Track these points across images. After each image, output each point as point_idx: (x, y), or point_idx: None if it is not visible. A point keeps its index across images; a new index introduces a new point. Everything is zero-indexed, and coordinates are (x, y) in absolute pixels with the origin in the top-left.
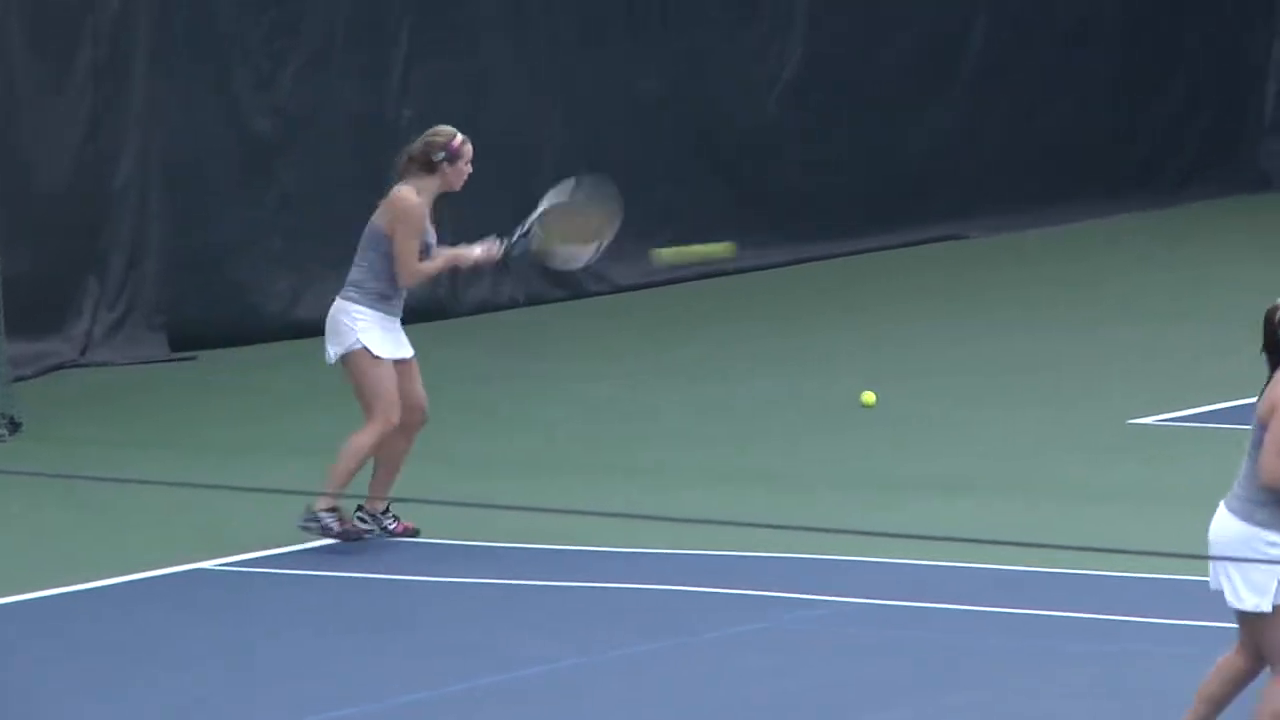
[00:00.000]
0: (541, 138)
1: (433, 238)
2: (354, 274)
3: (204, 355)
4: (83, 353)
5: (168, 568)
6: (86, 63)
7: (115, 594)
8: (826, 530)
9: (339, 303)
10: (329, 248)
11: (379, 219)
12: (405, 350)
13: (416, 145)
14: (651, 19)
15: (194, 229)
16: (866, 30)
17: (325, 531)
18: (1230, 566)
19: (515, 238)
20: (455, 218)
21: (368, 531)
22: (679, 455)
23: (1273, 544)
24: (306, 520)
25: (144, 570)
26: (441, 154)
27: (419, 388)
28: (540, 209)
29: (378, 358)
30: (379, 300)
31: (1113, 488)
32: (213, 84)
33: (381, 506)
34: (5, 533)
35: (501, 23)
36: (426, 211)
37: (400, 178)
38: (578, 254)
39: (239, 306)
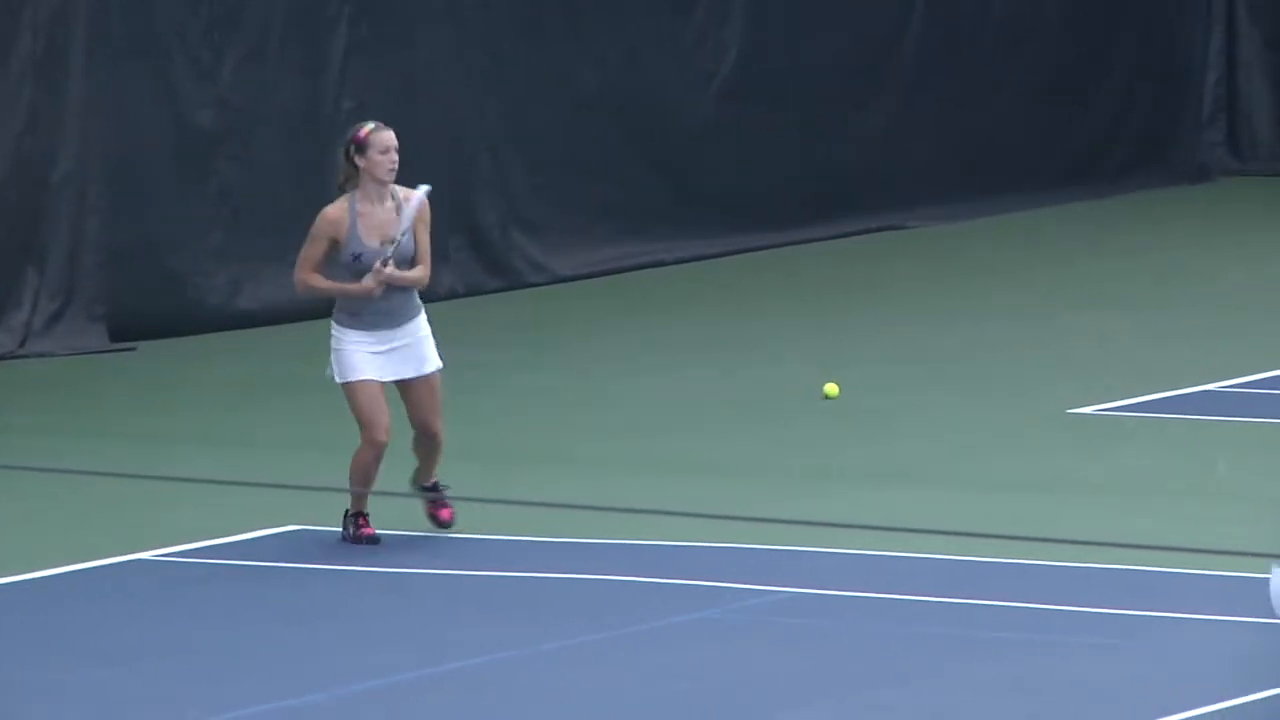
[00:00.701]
0: (479, 131)
1: (363, 247)
2: None
3: (144, 346)
4: (22, 344)
5: (106, 558)
6: (25, 54)
7: (53, 585)
8: (767, 520)
9: (331, 321)
10: (270, 239)
11: None
12: (397, 371)
13: (343, 146)
14: (589, 13)
15: (134, 220)
16: (805, 23)
17: (343, 535)
18: None
19: (393, 248)
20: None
21: (375, 537)
22: (621, 445)
23: None
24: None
25: (82, 561)
26: (351, 146)
27: (424, 412)
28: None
29: (347, 383)
30: (349, 317)
31: (1051, 478)
32: (152, 76)
33: (426, 481)
34: None
35: (441, 15)
36: (352, 219)
37: (346, 184)
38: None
39: (179, 298)
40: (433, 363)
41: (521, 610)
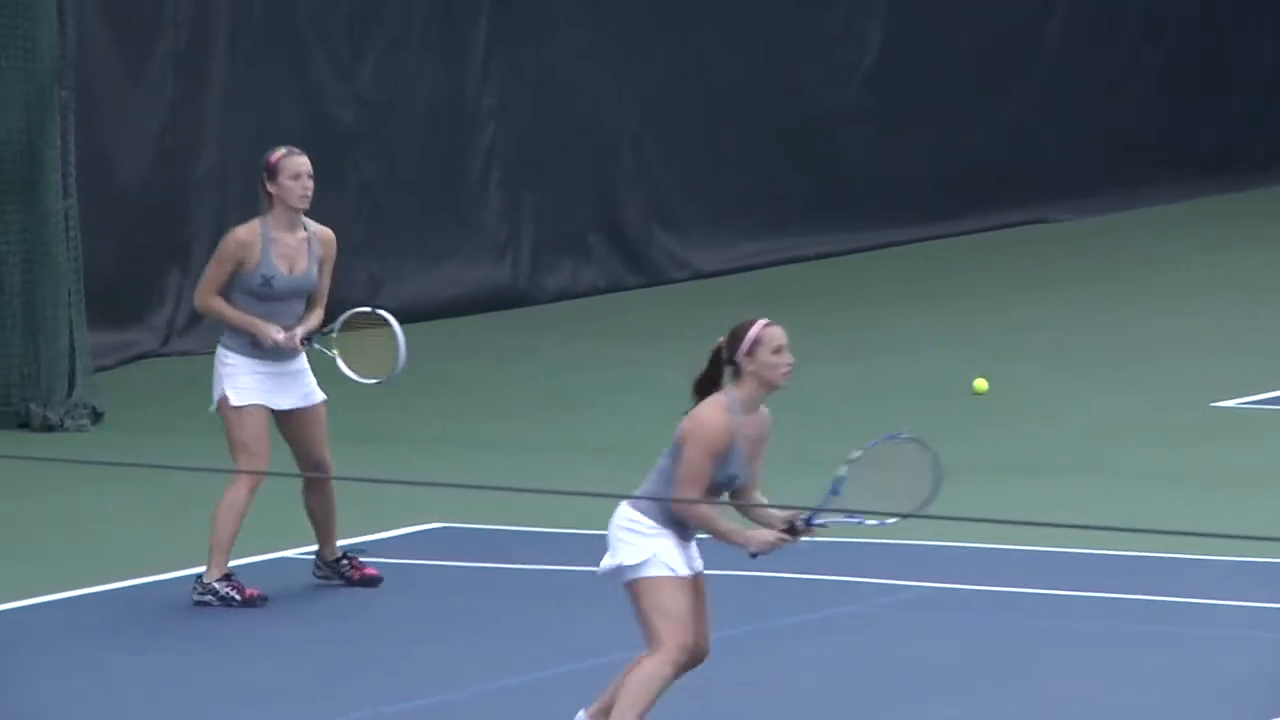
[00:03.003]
0: (620, 125)
1: (276, 270)
2: None
3: None
4: (164, 342)
5: (250, 557)
6: (166, 51)
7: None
8: (906, 515)
9: (218, 348)
10: (410, 236)
11: None
12: (286, 400)
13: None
14: (730, 5)
15: None
16: (947, 14)
17: (226, 602)
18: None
19: (317, 335)
20: (535, 204)
21: (263, 597)
22: None
23: (651, 528)
24: (201, 594)
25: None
26: (264, 173)
27: (311, 445)
28: (341, 319)
29: (237, 406)
30: (249, 345)
31: (1194, 471)
32: (292, 73)
33: (333, 555)
34: (87, 521)
35: (581, 9)
36: (265, 244)
37: (262, 209)
38: (361, 377)
39: None
40: (318, 394)
41: None
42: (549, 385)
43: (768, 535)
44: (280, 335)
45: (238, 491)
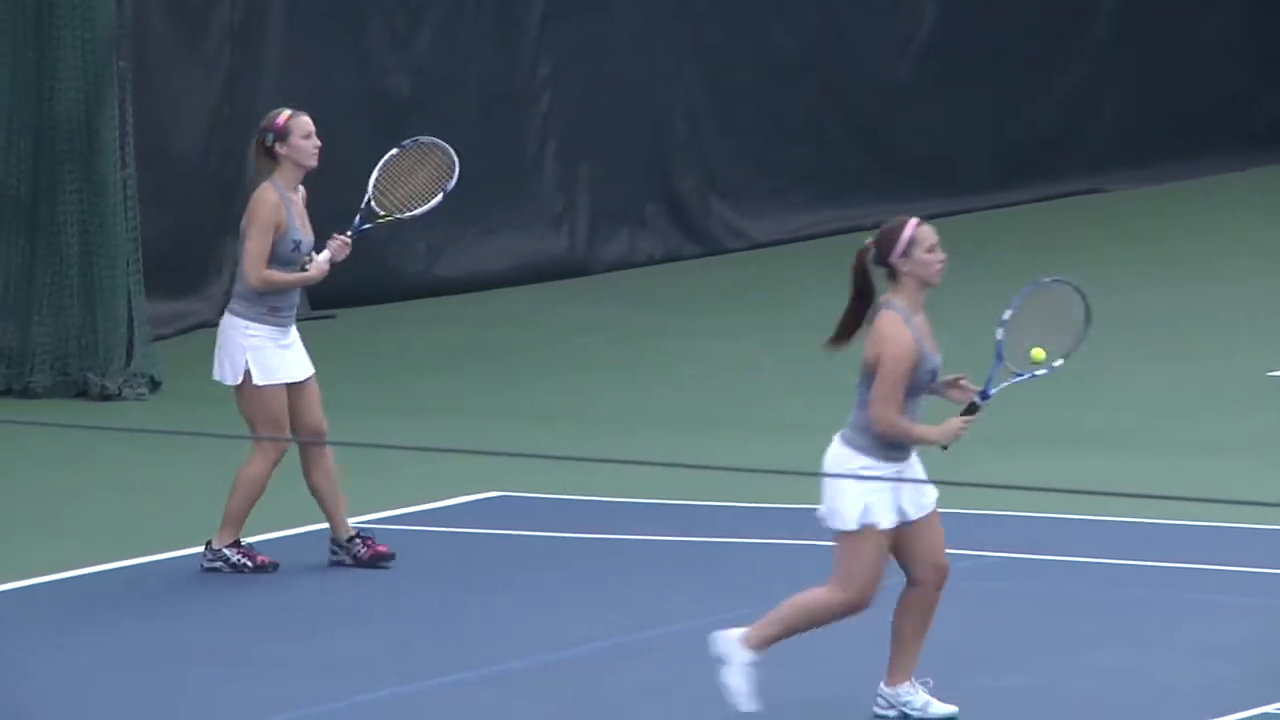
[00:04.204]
0: (676, 97)
1: (301, 235)
2: (239, 285)
3: (343, 314)
4: (221, 312)
5: (305, 526)
6: (223, 23)
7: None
8: (970, 484)
9: (227, 317)
10: (467, 207)
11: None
12: (300, 371)
13: (256, 138)
14: None
15: (331, 188)
16: None
17: (237, 569)
18: (828, 491)
19: (357, 220)
20: (591, 174)
21: (274, 564)
22: (819, 410)
23: (866, 467)
24: (211, 560)
25: (281, 529)
26: (270, 136)
27: (313, 414)
28: (371, 181)
29: (263, 385)
30: (269, 313)
31: (1251, 441)
32: (349, 43)
33: (345, 535)
34: (146, 491)
35: None
36: (286, 205)
37: (259, 176)
38: (418, 207)
39: (378, 266)
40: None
41: (720, 575)
42: (606, 355)
43: (951, 425)
44: (326, 256)
45: (259, 466)
